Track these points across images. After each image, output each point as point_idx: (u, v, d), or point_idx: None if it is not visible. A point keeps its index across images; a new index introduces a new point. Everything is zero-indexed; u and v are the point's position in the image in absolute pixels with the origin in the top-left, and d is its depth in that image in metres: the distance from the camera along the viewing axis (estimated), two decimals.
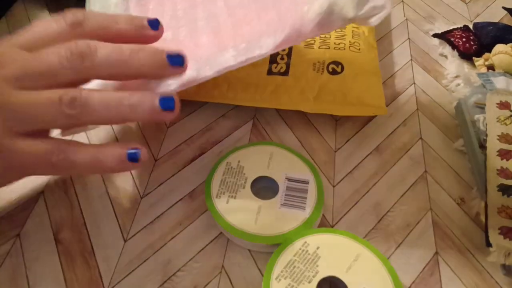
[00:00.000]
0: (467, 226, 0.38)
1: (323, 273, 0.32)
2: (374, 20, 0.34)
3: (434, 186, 0.40)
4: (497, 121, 0.40)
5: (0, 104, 0.28)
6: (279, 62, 0.47)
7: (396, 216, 0.38)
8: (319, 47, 0.47)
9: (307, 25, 0.34)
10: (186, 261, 0.35)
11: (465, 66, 0.50)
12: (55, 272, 0.35)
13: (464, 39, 0.52)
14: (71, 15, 0.32)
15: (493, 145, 0.39)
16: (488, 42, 0.51)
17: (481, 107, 0.43)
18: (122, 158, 0.31)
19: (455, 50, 0.52)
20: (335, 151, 0.43)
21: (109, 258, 0.36)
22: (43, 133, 0.31)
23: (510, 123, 0.40)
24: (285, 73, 0.46)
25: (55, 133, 0.32)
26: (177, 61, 0.32)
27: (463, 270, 0.35)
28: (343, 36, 0.49)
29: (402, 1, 0.61)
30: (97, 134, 0.44)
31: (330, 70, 0.46)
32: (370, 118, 0.46)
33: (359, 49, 0.47)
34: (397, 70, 0.51)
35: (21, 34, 0.31)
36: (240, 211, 0.36)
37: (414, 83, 0.50)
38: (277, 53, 0.47)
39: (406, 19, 0.58)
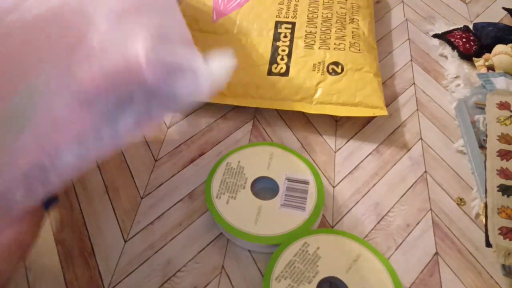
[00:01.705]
0: (467, 227, 0.38)
1: (323, 273, 0.32)
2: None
3: (434, 187, 0.40)
4: (497, 122, 0.40)
5: None
6: (279, 63, 0.47)
7: (396, 216, 0.38)
8: (319, 48, 0.47)
9: None
10: (186, 261, 0.35)
11: (465, 67, 0.50)
12: (55, 272, 0.35)
13: (464, 40, 0.52)
14: None
15: (493, 145, 0.39)
16: (488, 42, 0.51)
17: (481, 107, 0.43)
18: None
19: (455, 50, 0.52)
20: (335, 152, 0.43)
21: (109, 258, 0.36)
22: None
23: (510, 124, 0.40)
24: (285, 73, 0.46)
25: None
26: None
27: (463, 270, 0.35)
28: (343, 36, 0.49)
29: (402, 1, 0.61)
30: None
31: (330, 70, 0.46)
32: (370, 119, 0.46)
33: (359, 50, 0.47)
34: (397, 71, 0.51)
35: None
36: (240, 211, 0.36)
37: (414, 83, 0.50)
38: (277, 54, 0.47)
39: (406, 19, 0.58)
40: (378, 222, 0.38)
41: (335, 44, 0.48)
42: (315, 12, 0.51)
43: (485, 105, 0.43)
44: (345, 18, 0.51)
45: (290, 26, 0.50)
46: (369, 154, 0.43)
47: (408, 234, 0.37)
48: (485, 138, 0.40)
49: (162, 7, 0.30)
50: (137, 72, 0.27)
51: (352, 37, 0.49)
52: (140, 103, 0.28)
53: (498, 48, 0.48)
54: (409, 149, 0.43)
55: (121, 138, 0.28)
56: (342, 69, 0.46)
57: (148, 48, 0.27)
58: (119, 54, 0.27)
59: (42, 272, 0.35)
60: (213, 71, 0.28)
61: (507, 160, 0.38)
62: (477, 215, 0.38)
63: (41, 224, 0.31)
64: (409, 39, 0.55)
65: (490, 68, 0.49)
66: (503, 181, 0.36)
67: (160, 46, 0.28)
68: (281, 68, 0.46)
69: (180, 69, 0.27)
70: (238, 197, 0.37)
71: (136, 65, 0.27)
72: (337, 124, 0.46)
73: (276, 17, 0.51)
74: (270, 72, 0.46)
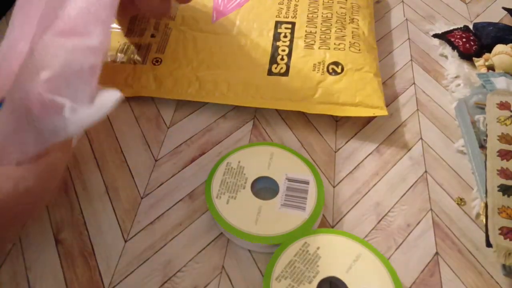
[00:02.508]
0: (467, 227, 0.38)
1: (324, 273, 0.32)
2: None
3: (435, 187, 0.40)
4: (497, 122, 0.40)
5: None
6: (279, 63, 0.47)
7: (396, 216, 0.38)
8: (319, 48, 0.47)
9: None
10: (186, 261, 0.35)
11: (465, 67, 0.50)
12: (55, 272, 0.35)
13: (464, 40, 0.52)
14: None
15: (493, 145, 0.39)
16: (488, 42, 0.51)
17: (481, 107, 0.43)
18: None
19: (455, 50, 0.52)
20: (336, 152, 0.43)
21: (109, 258, 0.36)
22: None
23: (510, 124, 0.40)
24: (285, 73, 0.46)
25: None
26: None
27: (463, 270, 0.35)
28: (343, 36, 0.49)
29: (402, 1, 0.61)
30: (97, 135, 0.44)
31: (330, 70, 0.46)
32: (370, 119, 0.46)
33: (359, 50, 0.47)
34: (397, 71, 0.51)
35: None
36: (240, 211, 0.36)
37: (414, 83, 0.50)
38: (277, 54, 0.47)
39: (406, 19, 0.58)
40: (379, 222, 0.38)
41: (335, 44, 0.48)
42: (315, 12, 0.51)
43: (485, 105, 0.43)
44: (345, 18, 0.51)
45: (290, 26, 0.50)
46: (369, 154, 0.43)
47: (409, 234, 0.37)
48: (485, 138, 0.40)
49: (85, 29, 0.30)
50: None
51: (352, 37, 0.49)
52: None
53: (498, 48, 0.49)
54: (409, 149, 0.43)
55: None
56: (342, 69, 0.46)
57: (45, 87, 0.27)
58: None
59: (42, 272, 0.35)
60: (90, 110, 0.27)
61: (508, 160, 0.38)
62: (478, 215, 0.38)
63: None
64: (409, 39, 0.55)
65: (490, 68, 0.49)
66: (504, 181, 0.36)
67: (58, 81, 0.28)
68: (281, 68, 0.46)
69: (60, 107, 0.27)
70: (238, 197, 0.37)
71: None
72: (337, 124, 0.46)
73: (276, 17, 0.51)
74: (270, 72, 0.46)
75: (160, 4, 0.44)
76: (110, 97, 0.27)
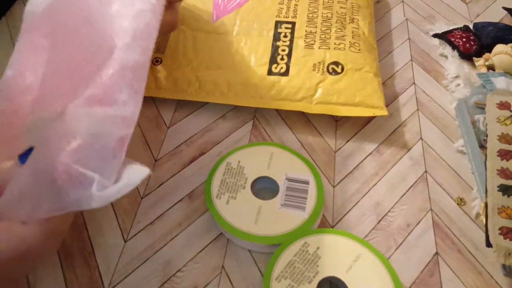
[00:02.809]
0: (467, 227, 0.38)
1: (323, 273, 0.32)
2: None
3: (434, 187, 0.40)
4: (497, 122, 0.40)
5: None
6: (279, 63, 0.47)
7: (396, 216, 0.38)
8: (319, 48, 0.47)
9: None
10: (186, 261, 0.35)
11: (465, 66, 0.50)
12: (55, 272, 0.35)
13: (464, 39, 0.52)
14: None
15: (493, 145, 0.39)
16: (488, 42, 0.51)
17: (481, 107, 0.43)
18: None
19: (455, 50, 0.52)
20: (335, 152, 0.43)
21: (109, 258, 0.36)
22: None
23: (510, 124, 0.40)
24: (285, 73, 0.46)
25: None
26: None
27: (463, 270, 0.35)
28: (343, 36, 0.49)
29: (403, 1, 0.61)
30: None
31: (330, 70, 0.46)
32: (370, 119, 0.46)
33: (359, 50, 0.47)
34: (397, 70, 0.51)
35: None
36: (240, 211, 0.36)
37: (414, 83, 0.50)
38: (277, 53, 0.47)
39: (406, 19, 0.58)
40: (378, 222, 0.38)
41: (335, 44, 0.48)
42: (315, 12, 0.51)
43: (485, 105, 0.43)
44: (345, 18, 0.51)
45: (290, 26, 0.50)
46: (369, 154, 0.43)
47: (409, 234, 0.37)
48: (485, 138, 0.40)
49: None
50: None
51: (352, 37, 0.49)
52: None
53: (498, 48, 0.48)
54: (409, 149, 0.43)
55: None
56: (342, 69, 0.46)
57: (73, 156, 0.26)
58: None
59: (42, 272, 0.35)
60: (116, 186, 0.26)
61: (507, 160, 0.38)
62: (477, 215, 0.38)
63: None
64: (409, 39, 0.55)
65: (490, 68, 0.48)
66: (504, 181, 0.36)
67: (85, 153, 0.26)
68: (281, 68, 0.46)
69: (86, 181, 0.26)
70: (238, 197, 0.37)
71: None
72: (337, 124, 0.46)
73: (276, 17, 0.51)
74: (270, 72, 0.46)
75: (168, 20, 0.41)
76: (138, 174, 0.26)
